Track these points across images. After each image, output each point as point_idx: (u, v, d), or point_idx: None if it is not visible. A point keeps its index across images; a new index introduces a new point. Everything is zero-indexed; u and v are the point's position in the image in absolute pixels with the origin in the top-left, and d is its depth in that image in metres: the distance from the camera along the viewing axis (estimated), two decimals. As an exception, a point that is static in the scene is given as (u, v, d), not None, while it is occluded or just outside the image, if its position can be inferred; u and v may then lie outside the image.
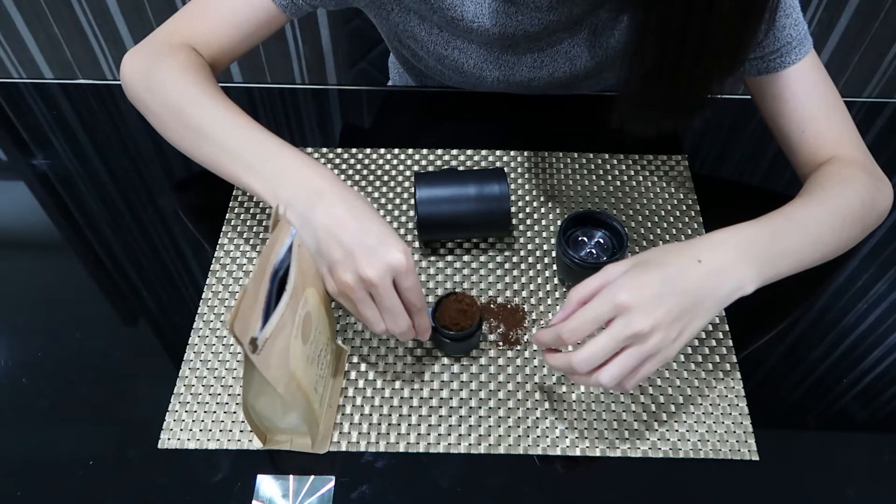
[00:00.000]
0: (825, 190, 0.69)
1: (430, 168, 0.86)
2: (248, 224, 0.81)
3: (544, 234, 0.80)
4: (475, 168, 0.85)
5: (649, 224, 0.81)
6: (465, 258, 0.78)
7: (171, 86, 0.72)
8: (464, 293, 0.69)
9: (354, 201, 0.62)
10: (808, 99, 0.75)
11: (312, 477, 0.62)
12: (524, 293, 0.75)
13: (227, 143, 0.67)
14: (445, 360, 0.70)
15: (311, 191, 0.62)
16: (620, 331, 0.56)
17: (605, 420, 0.66)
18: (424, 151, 0.88)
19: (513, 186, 0.84)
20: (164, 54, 0.75)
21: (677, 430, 0.65)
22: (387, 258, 0.59)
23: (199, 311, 0.73)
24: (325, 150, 0.88)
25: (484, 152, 0.88)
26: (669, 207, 0.82)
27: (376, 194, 0.83)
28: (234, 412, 0.66)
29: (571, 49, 0.83)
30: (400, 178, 0.85)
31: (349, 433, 0.65)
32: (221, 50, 0.79)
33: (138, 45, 0.78)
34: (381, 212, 0.82)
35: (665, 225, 0.81)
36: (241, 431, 0.65)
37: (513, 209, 0.81)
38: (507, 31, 0.79)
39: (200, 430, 0.65)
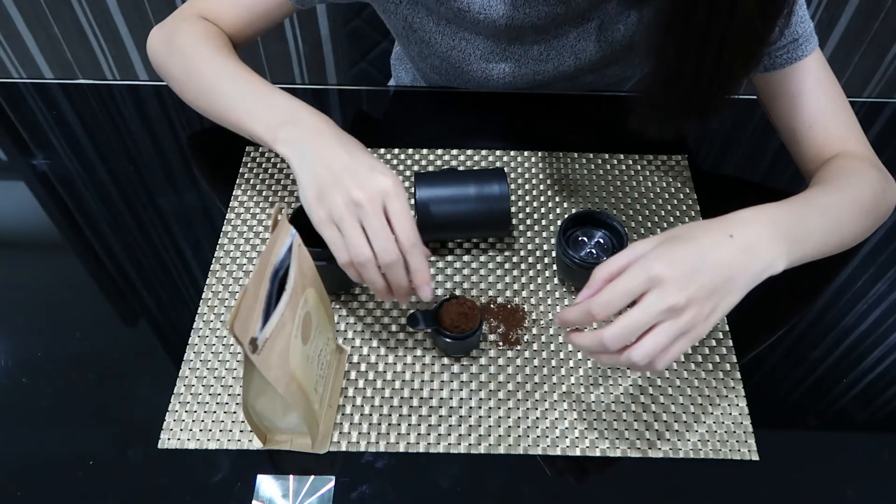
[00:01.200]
0: (840, 179, 0.70)
1: (430, 168, 0.86)
2: (248, 224, 0.81)
3: (544, 234, 0.80)
4: (475, 168, 0.85)
5: (649, 224, 0.81)
6: (465, 258, 0.78)
7: (187, 49, 0.78)
8: (465, 297, 0.69)
9: (349, 140, 0.66)
10: (814, 95, 0.75)
11: (312, 477, 0.62)
12: (524, 293, 0.75)
13: (235, 95, 0.72)
14: (445, 360, 0.70)
15: (309, 128, 0.66)
16: (655, 304, 0.53)
17: (605, 420, 0.66)
18: (424, 151, 0.88)
19: (513, 186, 0.84)
20: (183, 24, 0.82)
21: (677, 430, 0.65)
22: (376, 182, 0.61)
23: (199, 311, 0.73)
24: (325, 150, 0.88)
25: (484, 152, 0.88)
26: (669, 207, 0.82)
27: (376, 194, 0.84)
28: (234, 412, 0.66)
29: (577, 42, 0.83)
30: (400, 179, 0.85)
31: (349, 433, 0.65)
32: (234, 29, 0.84)
33: (161, 22, 0.85)
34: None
35: (665, 225, 0.81)
36: (241, 431, 0.65)
37: (513, 209, 0.81)
38: (515, 22, 0.79)
39: (200, 430, 0.65)
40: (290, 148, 0.66)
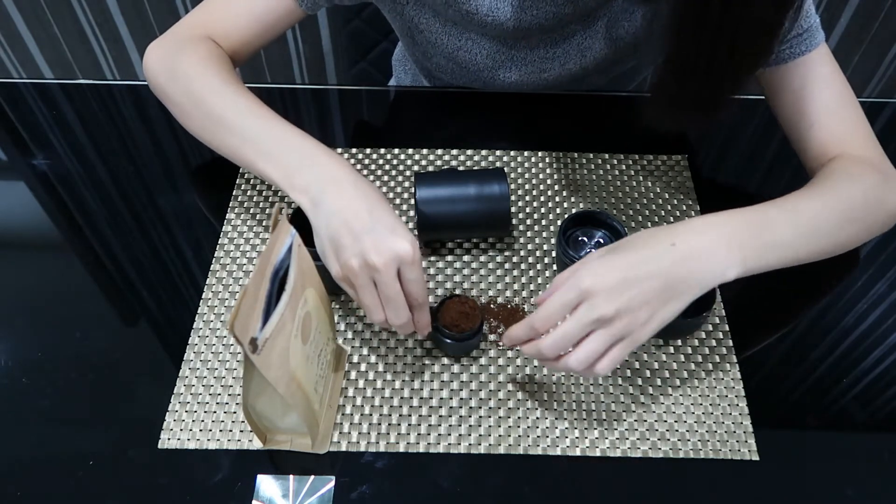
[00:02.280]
0: (827, 184, 0.68)
1: (430, 168, 0.86)
2: (248, 224, 0.81)
3: (544, 234, 0.80)
4: (475, 168, 0.85)
5: (649, 224, 0.81)
6: (465, 258, 0.78)
7: (193, 77, 0.74)
8: (466, 296, 0.69)
9: (369, 191, 0.63)
10: (817, 92, 0.74)
11: (312, 477, 0.62)
12: (524, 293, 0.75)
13: (247, 132, 0.69)
14: (445, 360, 0.70)
15: (327, 178, 0.64)
16: (584, 315, 0.57)
17: (605, 420, 0.66)
18: (424, 151, 0.88)
19: (513, 186, 0.84)
20: (187, 46, 0.77)
21: (677, 430, 0.65)
22: (394, 247, 0.60)
23: (199, 311, 0.73)
24: (325, 150, 0.88)
25: (484, 152, 0.88)
26: (669, 207, 0.82)
27: (376, 194, 0.83)
28: (234, 412, 0.66)
29: (584, 41, 0.83)
30: (400, 178, 0.85)
31: (349, 433, 0.65)
32: (241, 42, 0.81)
33: (161, 37, 0.80)
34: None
35: (665, 225, 0.80)
36: (241, 431, 0.65)
37: (513, 209, 0.81)
38: (522, 24, 0.79)
39: (200, 430, 0.65)
40: (308, 198, 0.63)
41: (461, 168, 0.86)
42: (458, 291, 0.75)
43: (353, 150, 0.88)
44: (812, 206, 0.66)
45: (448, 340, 0.67)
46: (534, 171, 0.86)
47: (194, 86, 0.74)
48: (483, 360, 0.70)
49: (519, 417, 0.66)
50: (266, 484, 0.62)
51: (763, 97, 0.80)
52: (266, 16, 0.80)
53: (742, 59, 0.60)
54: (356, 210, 0.61)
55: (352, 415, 0.66)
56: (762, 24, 0.57)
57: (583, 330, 0.57)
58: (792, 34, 0.72)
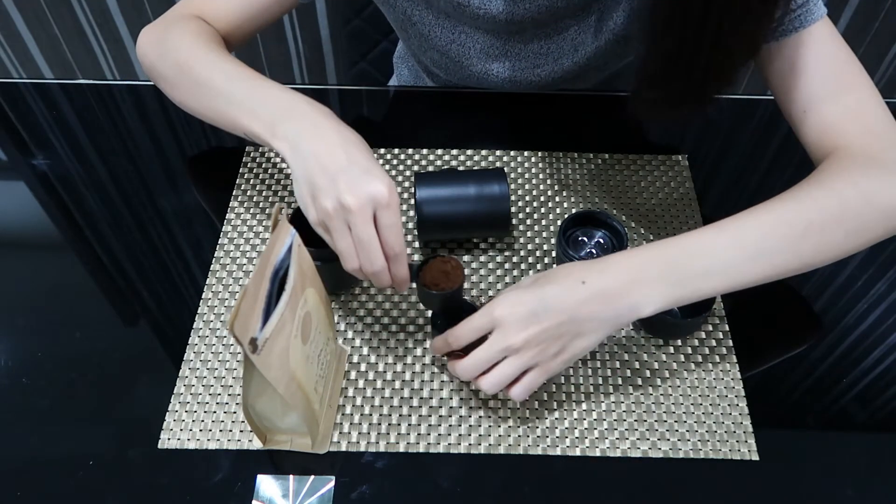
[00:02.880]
0: (791, 194, 0.62)
1: (430, 168, 0.86)
2: (248, 224, 0.81)
3: (544, 234, 0.80)
4: (475, 168, 0.85)
5: (649, 224, 0.81)
6: (465, 258, 0.78)
7: (179, 48, 0.75)
8: (451, 257, 0.68)
9: (348, 135, 0.63)
10: (812, 73, 0.66)
11: (312, 477, 0.62)
12: (524, 293, 0.75)
13: (232, 93, 0.69)
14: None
15: (307, 123, 0.63)
16: (495, 343, 0.59)
17: (605, 420, 0.66)
18: (424, 151, 0.88)
19: (513, 186, 0.84)
20: (176, 23, 0.78)
21: (677, 430, 0.65)
22: (369, 188, 0.58)
23: (199, 311, 0.73)
24: (325, 150, 0.88)
25: (484, 152, 0.88)
26: (669, 207, 0.82)
27: (376, 194, 0.83)
28: (234, 412, 0.66)
29: (577, 37, 0.83)
30: (400, 178, 0.85)
31: (349, 433, 0.65)
32: (233, 25, 0.81)
33: (152, 22, 0.81)
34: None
35: (665, 225, 0.81)
36: (241, 431, 0.65)
37: (513, 209, 0.81)
38: (515, 17, 0.79)
39: (200, 430, 0.65)
40: (288, 144, 0.63)
41: (461, 168, 0.86)
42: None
43: (353, 150, 0.87)
44: (760, 225, 0.60)
45: (433, 292, 0.65)
46: (534, 171, 0.86)
47: (181, 55, 0.74)
48: (483, 360, 0.70)
49: (519, 417, 0.66)
50: (266, 484, 0.62)
51: (763, 97, 0.80)
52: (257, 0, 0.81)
53: (728, 52, 0.59)
54: (332, 151, 0.60)
55: (352, 415, 0.66)
56: (748, 16, 0.56)
57: (495, 356, 0.59)
58: (790, 6, 0.64)
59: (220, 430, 0.65)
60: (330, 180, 0.59)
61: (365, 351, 0.70)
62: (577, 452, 0.64)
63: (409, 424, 0.66)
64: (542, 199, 0.83)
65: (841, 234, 0.61)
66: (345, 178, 0.59)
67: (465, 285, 0.75)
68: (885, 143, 0.65)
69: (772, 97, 0.71)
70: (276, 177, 0.85)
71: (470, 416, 0.66)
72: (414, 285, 0.67)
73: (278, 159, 0.87)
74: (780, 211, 0.61)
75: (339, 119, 0.64)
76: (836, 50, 0.67)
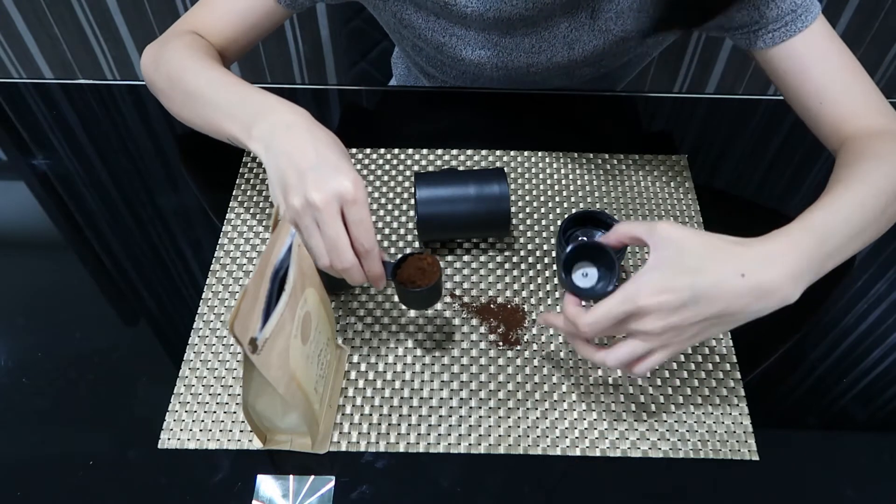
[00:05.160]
0: (860, 170, 0.66)
1: (430, 168, 0.86)
2: (248, 224, 0.81)
3: (544, 234, 0.80)
4: (475, 168, 0.85)
5: (649, 224, 0.81)
6: (465, 258, 0.78)
7: (171, 61, 0.77)
8: (427, 253, 0.67)
9: (320, 134, 0.63)
10: (821, 68, 0.73)
11: (312, 477, 0.62)
12: (524, 293, 0.75)
13: (217, 100, 0.71)
14: (445, 360, 0.70)
15: (281, 123, 0.64)
16: (633, 325, 0.56)
17: (605, 420, 0.66)
18: (424, 151, 0.88)
19: (513, 186, 0.84)
20: (171, 39, 0.81)
21: (677, 430, 0.65)
22: (334, 184, 0.59)
23: (199, 311, 0.73)
24: (325, 150, 0.88)
25: (484, 152, 0.88)
26: (669, 207, 0.82)
27: (376, 194, 0.83)
28: (234, 412, 0.66)
29: (570, 32, 0.82)
30: (400, 178, 0.85)
31: (349, 433, 0.65)
32: (226, 41, 0.83)
33: (155, 40, 0.84)
34: (381, 212, 0.82)
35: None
36: (241, 431, 0.65)
37: (513, 209, 0.81)
38: (502, 14, 0.79)
39: (200, 430, 0.65)
40: (262, 144, 0.64)
41: (461, 168, 0.86)
42: (457, 291, 0.75)
43: (353, 150, 0.88)
44: (857, 200, 0.63)
45: (409, 290, 0.64)
46: (534, 171, 0.86)
47: (172, 67, 0.77)
48: (483, 360, 0.70)
49: (519, 417, 0.66)
50: (266, 484, 0.62)
51: (763, 97, 0.80)
52: (249, 14, 0.82)
53: None
54: (303, 150, 0.61)
55: (352, 415, 0.66)
56: None
57: (624, 331, 0.57)
58: (785, 11, 0.71)
59: (220, 430, 0.65)
60: (299, 178, 0.60)
61: (365, 351, 0.70)
62: (577, 452, 0.64)
63: (409, 424, 0.66)
64: (542, 199, 0.83)
65: None
66: (312, 176, 0.59)
67: (465, 285, 0.75)
68: (893, 119, 0.72)
69: (772, 97, 0.72)
70: (276, 177, 0.85)
71: (470, 416, 0.66)
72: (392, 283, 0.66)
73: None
74: (868, 186, 0.64)
75: (313, 119, 0.65)
76: (835, 43, 0.74)
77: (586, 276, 0.65)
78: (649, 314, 0.55)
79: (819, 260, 0.59)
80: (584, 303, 0.61)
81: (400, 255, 0.72)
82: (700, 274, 0.55)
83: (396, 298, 0.73)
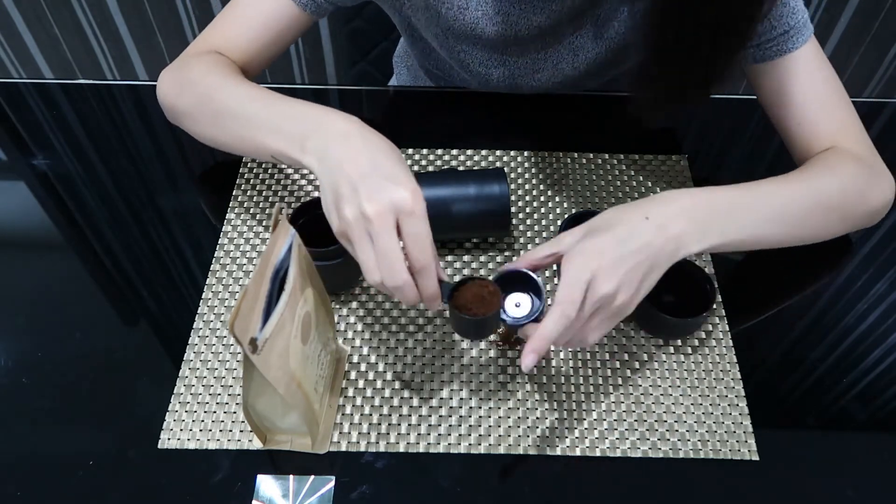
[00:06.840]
0: (805, 172, 0.70)
1: (430, 168, 0.86)
2: (248, 224, 0.81)
3: (544, 234, 0.80)
4: (475, 168, 0.85)
5: (649, 224, 0.81)
6: (465, 258, 0.78)
7: (197, 82, 0.74)
8: (489, 281, 0.62)
9: (377, 141, 0.60)
10: (804, 90, 0.74)
11: (312, 477, 0.62)
12: (524, 293, 0.75)
13: (254, 117, 0.67)
14: (445, 360, 0.70)
15: (334, 133, 0.60)
16: (590, 297, 0.57)
17: (605, 420, 0.66)
18: (424, 151, 0.88)
19: (513, 186, 0.84)
20: (192, 61, 0.77)
21: (677, 430, 0.65)
22: (390, 194, 0.55)
23: (199, 311, 0.73)
24: (325, 150, 0.88)
25: (484, 152, 0.88)
26: (669, 207, 0.82)
27: (376, 194, 0.83)
28: (234, 412, 0.66)
29: (575, 44, 0.83)
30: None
31: (349, 433, 0.65)
32: (250, 53, 0.80)
33: (171, 63, 0.80)
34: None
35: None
36: (241, 431, 0.65)
37: (513, 209, 0.81)
38: (509, 33, 0.79)
39: (200, 430, 0.65)
40: (316, 157, 0.60)
41: (461, 168, 0.86)
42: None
43: (353, 150, 0.87)
44: (785, 191, 0.67)
45: (464, 316, 0.60)
46: (534, 171, 0.86)
47: (198, 89, 0.73)
48: (483, 360, 0.70)
49: (519, 417, 0.66)
50: (266, 484, 0.62)
51: (763, 97, 0.80)
52: (273, 24, 0.79)
53: (725, 44, 0.61)
54: (356, 158, 0.57)
55: (352, 415, 0.66)
56: (741, 10, 0.58)
57: (591, 310, 0.58)
58: (778, 31, 0.72)
59: (220, 430, 0.65)
60: (351, 188, 0.56)
61: (365, 351, 0.70)
62: (577, 452, 0.64)
63: (409, 424, 0.66)
64: (542, 199, 0.83)
65: (838, 217, 0.70)
66: (366, 186, 0.56)
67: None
68: (869, 152, 0.74)
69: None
70: (276, 177, 0.85)
71: (470, 416, 0.66)
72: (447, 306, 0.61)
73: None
74: (804, 186, 0.68)
75: (367, 126, 0.61)
76: (823, 67, 0.75)
77: (518, 305, 0.63)
78: (599, 277, 0.57)
79: (721, 221, 0.62)
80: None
81: (459, 278, 0.67)
82: (616, 227, 0.60)
83: (397, 299, 0.73)
